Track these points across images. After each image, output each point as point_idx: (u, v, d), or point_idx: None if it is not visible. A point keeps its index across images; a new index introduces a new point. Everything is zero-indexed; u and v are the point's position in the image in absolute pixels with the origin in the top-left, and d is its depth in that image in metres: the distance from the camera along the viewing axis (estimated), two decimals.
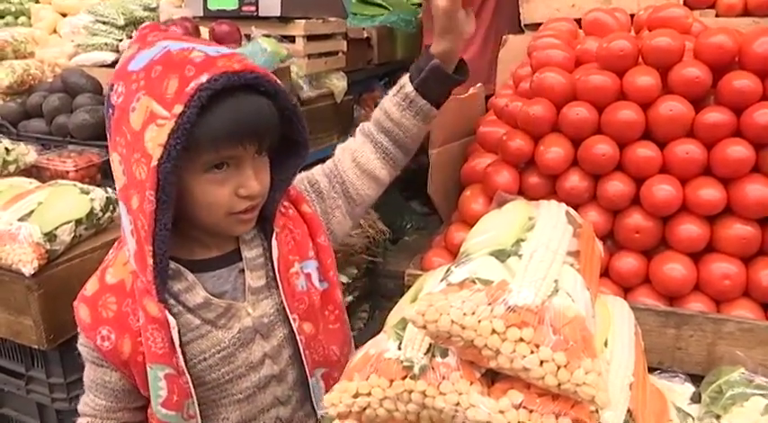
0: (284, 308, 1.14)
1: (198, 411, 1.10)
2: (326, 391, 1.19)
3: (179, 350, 1.04)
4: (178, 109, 0.92)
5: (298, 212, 1.21)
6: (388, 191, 4.33)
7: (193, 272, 1.07)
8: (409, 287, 1.32)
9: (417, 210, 4.44)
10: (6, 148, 1.99)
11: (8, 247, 1.64)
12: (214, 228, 1.07)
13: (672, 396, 1.17)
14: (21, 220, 1.68)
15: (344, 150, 1.32)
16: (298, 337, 1.15)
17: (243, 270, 1.12)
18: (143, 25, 1.09)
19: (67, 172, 2.03)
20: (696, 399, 1.19)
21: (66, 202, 1.76)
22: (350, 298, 3.24)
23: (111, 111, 1.00)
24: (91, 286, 1.10)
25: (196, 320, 1.07)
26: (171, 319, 1.02)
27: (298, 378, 1.20)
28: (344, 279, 3.13)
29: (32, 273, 1.62)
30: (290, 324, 1.14)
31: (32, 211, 1.71)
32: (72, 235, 1.73)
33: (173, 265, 1.04)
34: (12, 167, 2.01)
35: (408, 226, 4.21)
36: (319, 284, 1.20)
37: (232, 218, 1.04)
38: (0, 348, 1.95)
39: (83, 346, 1.12)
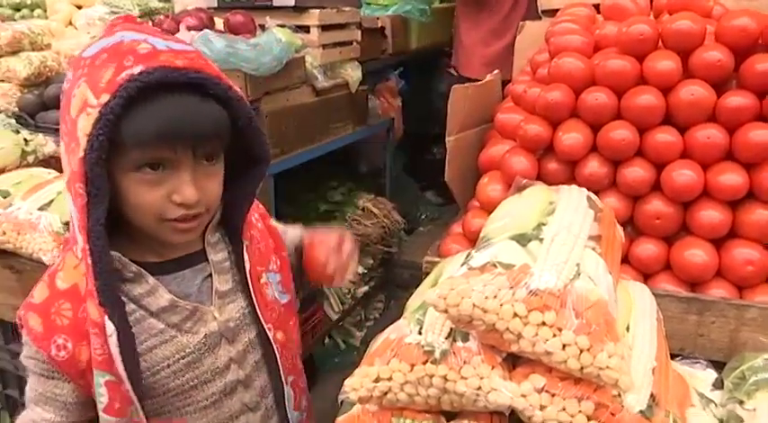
0: (249, 312, 1.11)
1: (144, 418, 1.02)
2: (295, 399, 1.20)
3: (119, 358, 0.95)
4: (104, 98, 0.86)
5: (265, 226, 1.20)
6: (403, 182, 4.31)
7: (153, 274, 1.01)
8: (427, 274, 1.32)
9: (432, 200, 4.44)
10: (25, 139, 2.01)
11: (28, 236, 1.66)
12: (152, 233, 0.98)
13: (694, 382, 1.16)
14: (40, 209, 1.70)
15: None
16: (274, 346, 1.13)
17: (210, 274, 1.08)
18: (118, 16, 1.03)
19: None
20: (718, 385, 1.18)
21: None
22: (365, 288, 3.25)
23: (62, 96, 0.95)
24: (39, 293, 1.00)
25: (160, 325, 1.01)
26: (109, 325, 0.94)
27: (266, 384, 1.16)
28: (360, 269, 3.14)
29: (52, 262, 1.63)
30: (255, 328, 1.12)
31: (52, 201, 1.73)
32: None
33: (134, 267, 0.99)
34: (30, 158, 2.02)
35: (423, 217, 4.21)
36: (280, 296, 1.18)
37: (166, 225, 0.96)
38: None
39: (30, 358, 1.01)
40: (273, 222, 1.25)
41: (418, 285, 1.23)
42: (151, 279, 1.01)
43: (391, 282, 3.52)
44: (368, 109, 3.23)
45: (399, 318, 1.06)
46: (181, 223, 0.96)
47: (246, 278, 1.09)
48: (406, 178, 4.25)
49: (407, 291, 1.17)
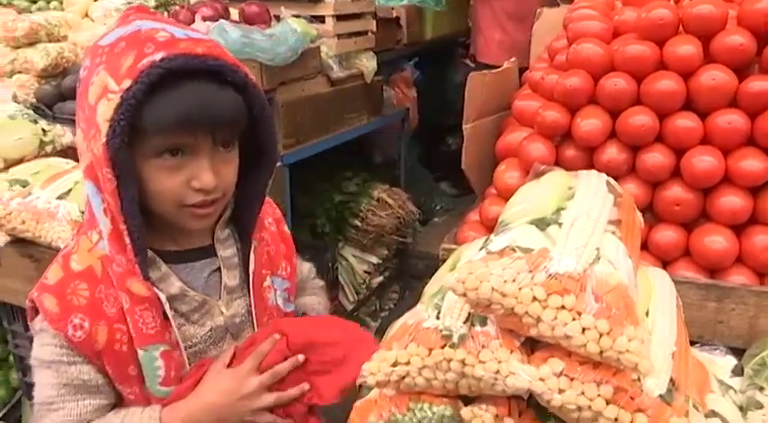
0: (250, 312, 1.12)
1: None
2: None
3: (172, 322, 1.00)
4: (126, 84, 0.87)
5: (278, 231, 1.20)
6: (418, 173, 4.30)
7: (166, 262, 1.03)
8: (444, 261, 1.32)
9: (447, 191, 4.43)
10: (43, 129, 2.02)
11: (47, 224, 1.68)
12: (170, 219, 1.00)
13: (713, 368, 1.15)
14: (59, 198, 1.72)
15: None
16: None
17: (218, 269, 1.09)
18: (130, 6, 1.04)
19: None
20: (738, 372, 1.17)
21: None
22: (380, 278, 3.26)
23: (78, 85, 0.97)
24: (53, 275, 1.01)
25: (170, 311, 1.02)
26: (160, 293, 0.98)
27: None
28: (374, 260, 3.15)
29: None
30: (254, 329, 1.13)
31: (70, 190, 1.75)
32: None
33: (149, 253, 1.00)
34: (48, 148, 2.04)
35: (438, 207, 4.21)
36: (284, 304, 1.18)
37: (185, 211, 0.97)
38: None
39: (45, 345, 1.00)
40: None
41: (433, 276, 1.23)
42: (164, 266, 1.02)
43: (406, 272, 3.53)
44: (383, 99, 3.22)
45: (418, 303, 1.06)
46: (199, 209, 0.98)
47: (249, 278, 1.10)
48: (420, 169, 4.24)
49: (422, 281, 1.16)
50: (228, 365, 1.06)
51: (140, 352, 0.99)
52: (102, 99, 0.89)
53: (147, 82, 0.87)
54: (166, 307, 0.99)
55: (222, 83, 0.93)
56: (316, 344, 1.11)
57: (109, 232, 0.96)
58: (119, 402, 1.06)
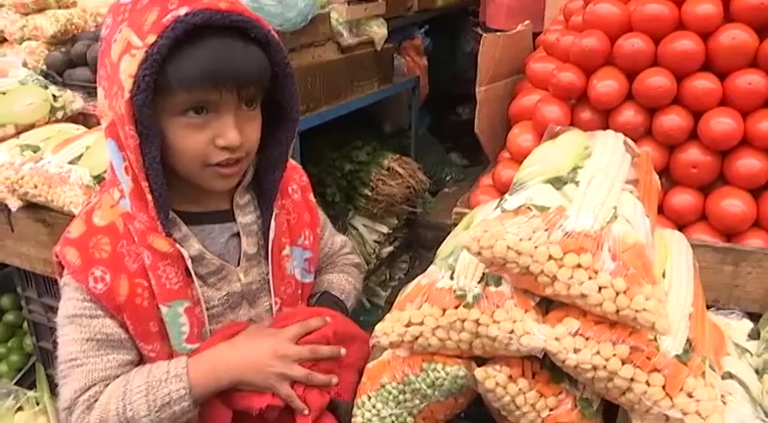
0: (268, 280, 1.12)
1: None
2: None
3: (194, 277, 1.01)
4: (151, 39, 0.86)
5: (303, 199, 1.18)
6: (428, 142, 4.25)
7: (186, 224, 1.03)
8: (455, 225, 1.31)
9: (457, 162, 4.40)
10: (53, 95, 2.01)
11: (59, 189, 1.67)
12: (194, 178, 1.00)
13: (729, 331, 1.14)
14: (70, 163, 1.71)
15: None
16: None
17: (236, 234, 1.08)
18: None
19: None
20: (754, 335, 1.16)
21: None
22: (390, 248, 3.25)
23: (100, 44, 0.96)
24: (76, 229, 1.02)
25: (192, 268, 1.02)
26: (182, 249, 0.99)
27: None
28: (385, 229, 3.14)
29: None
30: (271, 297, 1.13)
31: (81, 155, 1.74)
32: None
33: (170, 213, 1.00)
34: (59, 114, 2.03)
35: (448, 178, 4.18)
36: (302, 274, 1.17)
37: (209, 170, 0.98)
38: (55, 290, 2.01)
39: (69, 300, 1.01)
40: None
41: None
42: (184, 227, 1.03)
43: (415, 242, 3.52)
44: (393, 67, 3.19)
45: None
46: (224, 168, 0.98)
47: (268, 246, 1.10)
48: (430, 138, 4.21)
49: (432, 251, 1.15)
50: None
51: (164, 308, 1.00)
52: (125, 55, 0.89)
53: (172, 37, 0.87)
54: (189, 263, 1.00)
55: (245, 39, 0.93)
56: (356, 340, 1.11)
57: (130, 190, 0.97)
58: (141, 361, 1.06)
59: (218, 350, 1.02)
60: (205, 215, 1.07)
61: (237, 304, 1.10)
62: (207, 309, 1.05)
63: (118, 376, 1.01)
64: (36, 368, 2.28)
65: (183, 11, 0.87)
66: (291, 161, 1.20)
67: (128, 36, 0.89)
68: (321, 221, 1.24)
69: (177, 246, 0.99)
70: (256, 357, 1.02)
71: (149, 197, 0.95)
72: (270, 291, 1.12)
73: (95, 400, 0.99)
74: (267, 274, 1.11)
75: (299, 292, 1.17)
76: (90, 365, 1.00)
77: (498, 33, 1.63)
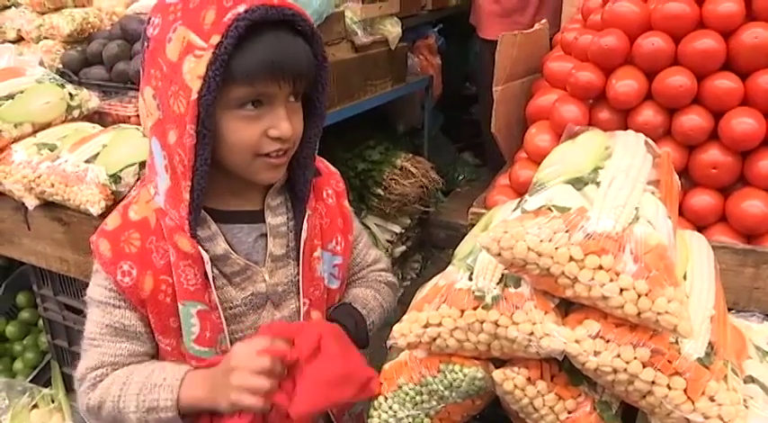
0: (296, 282, 1.11)
1: (229, 346, 1.05)
2: None
3: (212, 284, 1.02)
4: (215, 39, 0.88)
5: (337, 205, 1.19)
6: (440, 143, 4.24)
7: (216, 222, 1.04)
8: (472, 226, 1.30)
9: (469, 161, 4.39)
10: (70, 94, 2.02)
11: (76, 188, 1.68)
12: (242, 171, 1.02)
13: (749, 334, 1.13)
14: (87, 161, 1.72)
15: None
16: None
17: (264, 234, 1.09)
18: None
19: (129, 117, 2.05)
20: None
21: (130, 146, 1.78)
22: (402, 248, 3.25)
23: (146, 43, 0.97)
24: (112, 221, 1.06)
25: (214, 270, 1.04)
26: (204, 253, 1.00)
27: None
28: (397, 229, 3.14)
29: (99, 213, 1.65)
30: (299, 300, 1.12)
31: (98, 154, 1.75)
32: (136, 177, 1.75)
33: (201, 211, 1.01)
34: (76, 113, 2.04)
35: (461, 178, 4.17)
36: (329, 279, 1.17)
37: (260, 161, 1.00)
38: (70, 288, 2.02)
39: (97, 286, 1.05)
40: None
41: (455, 246, 1.20)
42: (213, 226, 1.04)
43: (428, 242, 3.52)
44: (407, 66, 3.18)
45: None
46: (274, 159, 1.00)
47: (300, 247, 1.10)
48: (443, 138, 4.20)
49: (444, 251, 1.15)
50: None
51: (180, 306, 1.02)
52: (187, 55, 0.90)
53: (236, 35, 0.89)
54: (208, 267, 1.01)
55: (294, 32, 0.95)
56: (322, 354, 0.99)
57: (167, 188, 0.99)
58: (156, 353, 1.09)
59: (211, 370, 1.02)
60: (235, 214, 1.08)
61: (261, 305, 1.10)
62: (228, 308, 1.06)
63: (126, 364, 1.06)
64: (51, 366, 2.30)
65: (241, 8, 0.89)
66: (330, 167, 1.23)
67: (186, 35, 0.91)
68: (355, 230, 1.24)
69: (199, 247, 1.00)
70: (219, 382, 0.99)
71: (186, 196, 0.97)
72: (299, 292, 1.12)
73: (101, 381, 1.06)
74: (296, 275, 1.11)
75: (326, 296, 1.17)
76: (104, 348, 1.06)
77: (516, 32, 1.62)
